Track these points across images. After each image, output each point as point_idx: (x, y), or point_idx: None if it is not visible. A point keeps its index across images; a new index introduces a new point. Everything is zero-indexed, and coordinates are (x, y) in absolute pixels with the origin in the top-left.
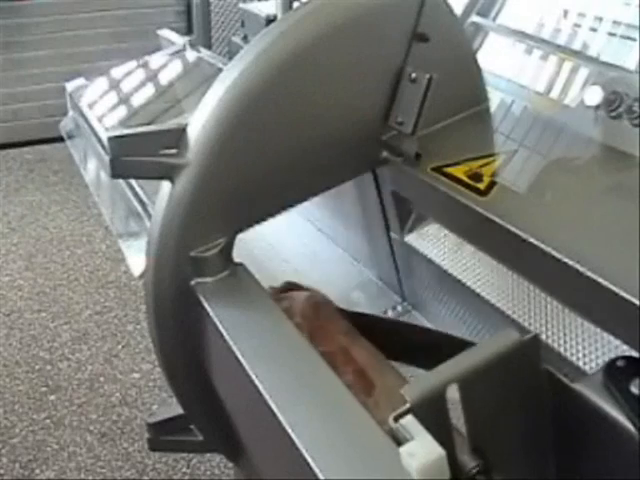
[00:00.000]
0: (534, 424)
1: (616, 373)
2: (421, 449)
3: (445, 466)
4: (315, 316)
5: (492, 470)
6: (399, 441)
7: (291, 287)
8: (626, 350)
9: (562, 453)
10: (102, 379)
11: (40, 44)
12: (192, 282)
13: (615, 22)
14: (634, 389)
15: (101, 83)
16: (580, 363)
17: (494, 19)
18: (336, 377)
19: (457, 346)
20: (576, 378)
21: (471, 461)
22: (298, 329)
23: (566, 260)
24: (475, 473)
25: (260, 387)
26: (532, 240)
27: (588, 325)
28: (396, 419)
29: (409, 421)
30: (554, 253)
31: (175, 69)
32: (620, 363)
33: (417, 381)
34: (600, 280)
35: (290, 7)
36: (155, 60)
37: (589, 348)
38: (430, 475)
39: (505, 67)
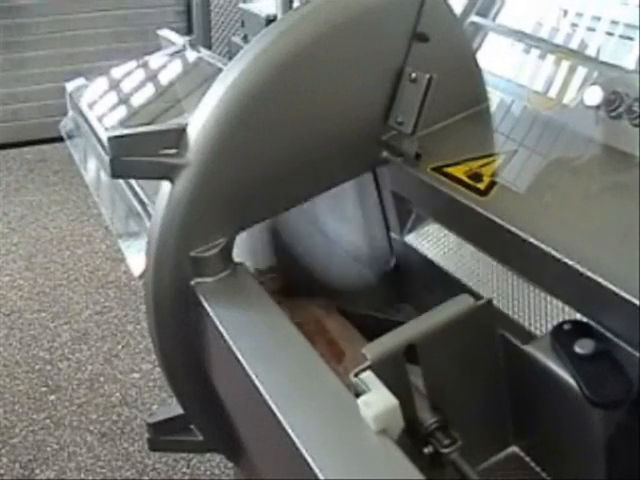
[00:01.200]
0: (490, 384)
1: (562, 335)
2: (376, 399)
3: (399, 415)
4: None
5: (450, 426)
6: (358, 394)
7: (274, 270)
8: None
9: (517, 410)
10: (102, 379)
11: (40, 44)
12: (192, 282)
13: (614, 22)
14: (578, 349)
15: (101, 83)
16: None
17: (494, 19)
18: (336, 377)
19: None
20: (527, 341)
21: (430, 417)
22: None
23: (566, 260)
24: (434, 429)
25: (260, 387)
26: (532, 240)
27: None
28: (356, 375)
29: (367, 375)
30: (554, 253)
31: (175, 69)
32: (567, 327)
33: (377, 342)
34: (600, 280)
35: (290, 7)
36: (155, 60)
37: None
38: (385, 423)
39: (505, 67)
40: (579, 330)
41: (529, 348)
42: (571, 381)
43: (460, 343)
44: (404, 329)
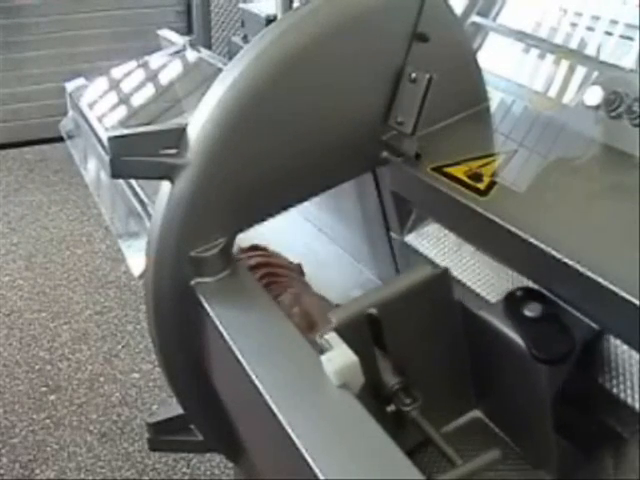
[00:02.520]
0: (451, 349)
1: (514, 301)
2: (338, 356)
3: (358, 370)
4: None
5: (412, 387)
6: (322, 352)
7: (257, 248)
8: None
9: (477, 375)
10: (102, 379)
11: (40, 44)
12: (192, 282)
13: (614, 22)
14: (527, 312)
15: (101, 83)
16: None
17: (494, 19)
18: None
19: None
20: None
21: (392, 379)
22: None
23: (566, 260)
24: (396, 389)
25: (260, 387)
26: (532, 240)
27: None
28: (321, 336)
29: (330, 336)
30: (554, 253)
31: (175, 69)
32: (519, 293)
33: (342, 307)
34: (600, 280)
35: (290, 7)
36: (155, 60)
37: None
38: (345, 377)
39: (505, 67)
40: (530, 296)
41: (483, 312)
42: (520, 341)
43: (420, 309)
44: (367, 296)
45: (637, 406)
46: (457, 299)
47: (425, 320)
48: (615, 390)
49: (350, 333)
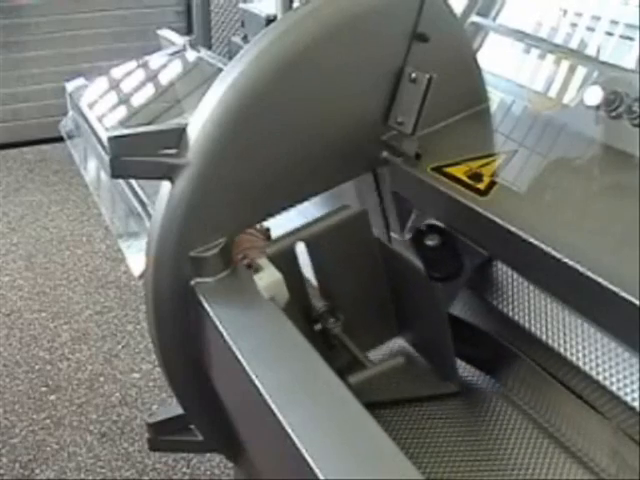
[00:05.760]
0: (371, 277)
1: (419, 234)
2: (266, 275)
3: (283, 287)
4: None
5: (338, 310)
6: (256, 272)
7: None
8: None
9: (395, 300)
10: (102, 379)
11: (40, 44)
12: (192, 282)
13: (614, 22)
14: (427, 242)
15: (101, 83)
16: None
17: (494, 19)
18: (336, 377)
19: None
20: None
21: (320, 303)
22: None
23: (566, 260)
24: (323, 312)
25: (260, 387)
26: (532, 240)
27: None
28: (255, 261)
29: (262, 260)
30: (554, 253)
31: (175, 69)
32: (423, 228)
33: (274, 240)
34: (600, 280)
35: (290, 7)
36: (155, 60)
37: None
38: (272, 291)
39: (505, 67)
40: (433, 231)
41: (394, 245)
42: (419, 264)
43: (342, 243)
44: (296, 232)
45: (526, 326)
46: (375, 236)
47: (347, 253)
48: (505, 310)
49: (280, 262)
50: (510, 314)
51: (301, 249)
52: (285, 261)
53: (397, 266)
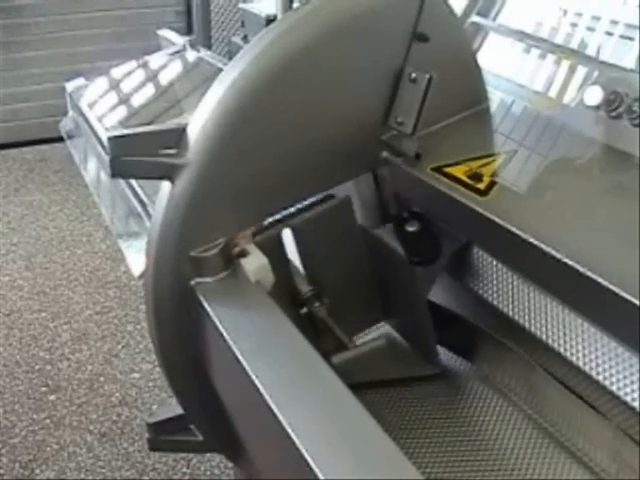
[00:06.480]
0: (355, 263)
1: (400, 221)
2: (252, 259)
3: (269, 270)
4: None
5: (323, 294)
6: (243, 256)
7: None
8: None
9: (379, 286)
10: (102, 379)
11: (40, 44)
12: (192, 282)
13: (614, 22)
14: (408, 228)
15: (101, 83)
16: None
17: (494, 19)
18: (336, 377)
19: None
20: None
21: (305, 288)
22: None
23: (566, 260)
24: (309, 296)
25: (260, 387)
26: (532, 240)
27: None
28: (240, 245)
29: (249, 246)
30: (554, 253)
31: (175, 69)
32: (405, 215)
33: (263, 227)
34: (600, 280)
35: (290, 7)
36: (155, 60)
37: (589, 348)
38: (259, 275)
39: (505, 67)
40: (414, 217)
41: (376, 231)
42: (400, 249)
43: (328, 230)
44: (283, 219)
45: (500, 307)
46: (359, 223)
47: (332, 239)
48: (483, 294)
49: (268, 248)
50: (489, 299)
51: (287, 236)
52: (271, 246)
53: (379, 251)
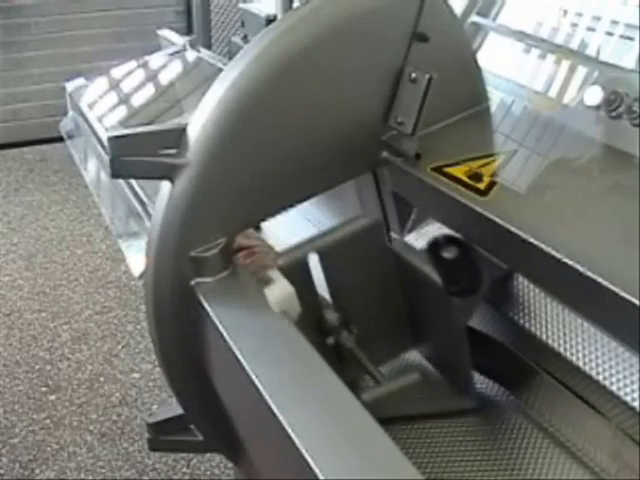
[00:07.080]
0: (385, 289)
1: (436, 246)
2: (277, 288)
3: (295, 300)
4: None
5: (351, 323)
6: (266, 285)
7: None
8: None
9: (410, 312)
10: (102, 379)
11: (40, 44)
12: (192, 282)
13: (614, 22)
14: (445, 254)
15: (101, 83)
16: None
17: (494, 19)
18: (336, 376)
19: None
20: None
21: (333, 315)
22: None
23: (566, 260)
24: (337, 325)
25: (260, 387)
26: (532, 240)
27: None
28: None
29: (274, 272)
30: (554, 253)
31: (175, 69)
32: (441, 240)
33: (287, 250)
34: (600, 280)
35: (290, 7)
36: (155, 60)
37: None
38: (284, 306)
39: (505, 67)
40: (450, 242)
41: (409, 257)
42: (436, 278)
43: (357, 254)
44: (308, 242)
45: (548, 340)
46: (390, 247)
47: (362, 264)
48: (526, 324)
49: (294, 274)
50: (528, 327)
51: (313, 260)
52: (297, 273)
53: (413, 278)
